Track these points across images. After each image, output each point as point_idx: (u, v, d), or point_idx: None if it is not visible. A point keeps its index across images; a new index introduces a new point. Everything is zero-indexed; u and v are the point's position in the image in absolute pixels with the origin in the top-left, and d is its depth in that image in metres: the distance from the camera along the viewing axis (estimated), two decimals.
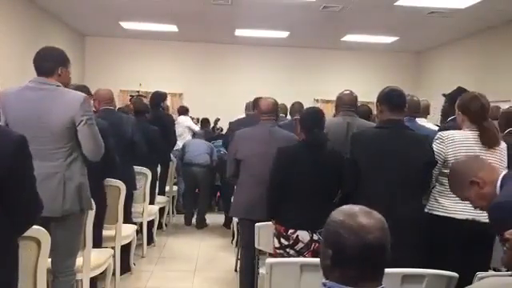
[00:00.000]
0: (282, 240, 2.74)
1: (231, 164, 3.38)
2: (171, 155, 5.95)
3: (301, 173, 2.73)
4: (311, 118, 2.86)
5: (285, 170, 2.77)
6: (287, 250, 2.73)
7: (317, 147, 2.78)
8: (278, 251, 2.77)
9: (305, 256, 2.66)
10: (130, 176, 4.05)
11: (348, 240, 1.25)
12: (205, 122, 8.08)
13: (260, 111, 3.42)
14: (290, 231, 2.71)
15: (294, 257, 2.68)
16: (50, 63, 2.55)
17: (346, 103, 3.36)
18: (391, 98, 2.70)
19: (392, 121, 2.67)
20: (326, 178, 2.72)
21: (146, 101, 5.98)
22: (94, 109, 4.08)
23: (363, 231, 1.24)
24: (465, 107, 2.72)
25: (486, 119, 2.66)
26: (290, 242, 2.71)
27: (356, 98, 3.42)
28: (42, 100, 2.48)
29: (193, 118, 8.15)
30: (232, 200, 3.61)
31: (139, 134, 4.20)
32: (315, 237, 2.66)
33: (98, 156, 2.66)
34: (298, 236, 2.69)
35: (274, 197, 2.83)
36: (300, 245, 2.69)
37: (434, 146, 2.69)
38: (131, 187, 3.98)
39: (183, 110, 7.77)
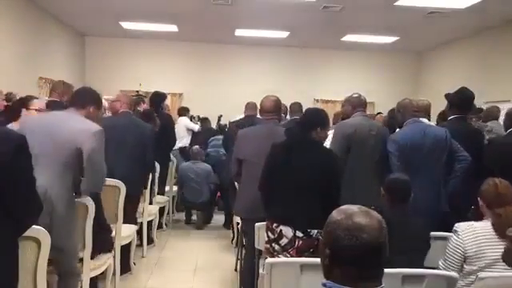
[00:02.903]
0: (269, 234, 2.75)
1: (234, 163, 3.39)
2: (171, 155, 5.94)
3: (289, 170, 2.72)
4: (302, 118, 2.92)
5: (274, 166, 2.78)
6: (273, 244, 2.72)
7: (304, 146, 2.77)
8: (266, 245, 2.79)
9: (289, 252, 2.65)
10: (135, 178, 4.03)
11: (344, 239, 1.26)
12: (204, 121, 8.06)
13: (262, 110, 3.39)
14: (274, 225, 2.71)
15: (279, 252, 2.68)
16: (85, 99, 2.73)
17: (360, 105, 3.45)
18: (396, 191, 2.62)
19: (395, 208, 2.56)
20: (313, 177, 2.69)
21: (147, 100, 5.98)
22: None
23: (358, 231, 1.25)
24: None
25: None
26: (275, 236, 2.71)
27: (365, 99, 3.53)
28: (60, 120, 2.61)
29: (193, 118, 8.14)
30: (236, 199, 3.62)
31: (151, 145, 4.26)
32: (298, 234, 2.64)
33: (98, 187, 2.76)
34: (281, 231, 2.68)
35: (264, 192, 2.84)
36: (284, 240, 2.67)
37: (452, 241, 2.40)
38: (135, 189, 4.00)
39: (183, 111, 7.75)
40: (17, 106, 3.41)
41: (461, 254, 2.31)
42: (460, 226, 2.38)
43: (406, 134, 3.22)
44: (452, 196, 3.15)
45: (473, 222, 2.41)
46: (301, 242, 2.64)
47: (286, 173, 2.72)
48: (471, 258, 2.29)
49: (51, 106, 3.88)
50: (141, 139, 4.08)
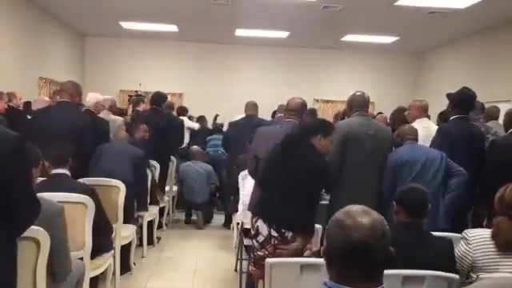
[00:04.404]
0: (252, 230, 2.77)
1: (252, 161, 3.37)
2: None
3: (274, 169, 2.72)
4: (304, 123, 2.98)
5: (266, 165, 2.80)
6: (253, 241, 2.73)
7: (294, 148, 2.75)
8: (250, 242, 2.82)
9: (267, 249, 2.64)
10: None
11: (334, 237, 1.27)
12: (202, 119, 8.06)
13: (286, 109, 3.41)
14: (254, 220, 2.73)
15: (257, 249, 2.69)
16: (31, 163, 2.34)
17: (359, 105, 3.33)
18: (409, 203, 2.23)
19: (409, 225, 2.23)
20: (294, 179, 2.64)
21: (147, 100, 5.98)
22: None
23: (348, 229, 1.25)
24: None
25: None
26: (254, 232, 2.72)
27: (368, 98, 3.40)
28: None
29: (191, 118, 8.13)
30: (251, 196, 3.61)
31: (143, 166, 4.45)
32: (273, 233, 2.62)
33: (63, 277, 2.38)
34: (257, 226, 2.68)
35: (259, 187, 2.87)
36: (261, 237, 2.67)
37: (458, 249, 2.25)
38: (135, 191, 4.03)
39: (182, 111, 7.73)
40: None
41: (468, 263, 2.19)
42: (470, 234, 2.23)
43: (403, 152, 3.20)
44: (454, 197, 3.13)
45: (484, 230, 2.26)
46: (276, 242, 2.62)
47: (272, 172, 2.73)
48: (478, 269, 2.16)
49: (61, 106, 3.79)
50: (132, 161, 4.16)
